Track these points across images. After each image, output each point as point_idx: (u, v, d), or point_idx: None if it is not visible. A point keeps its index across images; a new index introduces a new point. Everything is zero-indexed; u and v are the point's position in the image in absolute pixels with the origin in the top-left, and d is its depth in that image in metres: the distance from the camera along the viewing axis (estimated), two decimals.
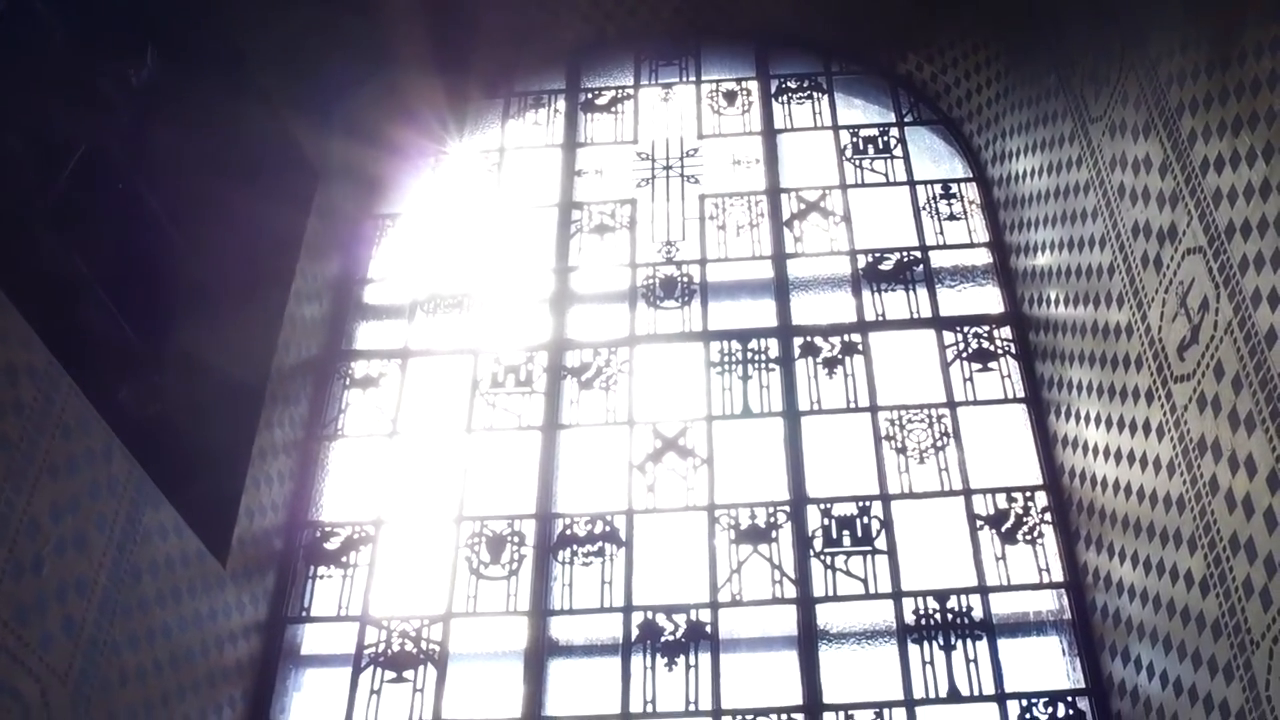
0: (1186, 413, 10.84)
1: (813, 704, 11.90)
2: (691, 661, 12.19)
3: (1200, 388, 10.67)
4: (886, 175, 15.34)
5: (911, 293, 14.35)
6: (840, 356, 13.89)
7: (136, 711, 10.63)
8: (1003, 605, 12.37)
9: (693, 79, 16.50)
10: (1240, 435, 10.11)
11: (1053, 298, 13.33)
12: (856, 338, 14.00)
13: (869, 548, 12.65)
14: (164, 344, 12.62)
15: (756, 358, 13.95)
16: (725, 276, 14.70)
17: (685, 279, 14.66)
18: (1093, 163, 12.71)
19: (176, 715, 11.10)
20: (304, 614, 12.80)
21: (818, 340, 14.01)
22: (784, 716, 11.87)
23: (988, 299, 14.30)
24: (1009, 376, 13.67)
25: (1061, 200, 13.29)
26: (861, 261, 14.58)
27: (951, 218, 14.91)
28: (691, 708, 11.97)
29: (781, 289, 14.43)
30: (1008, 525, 12.71)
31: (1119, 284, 12.02)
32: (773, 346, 14.01)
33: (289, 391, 13.51)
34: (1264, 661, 9.68)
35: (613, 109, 16.29)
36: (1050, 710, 11.80)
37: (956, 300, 14.32)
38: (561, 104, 16.40)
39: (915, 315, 14.16)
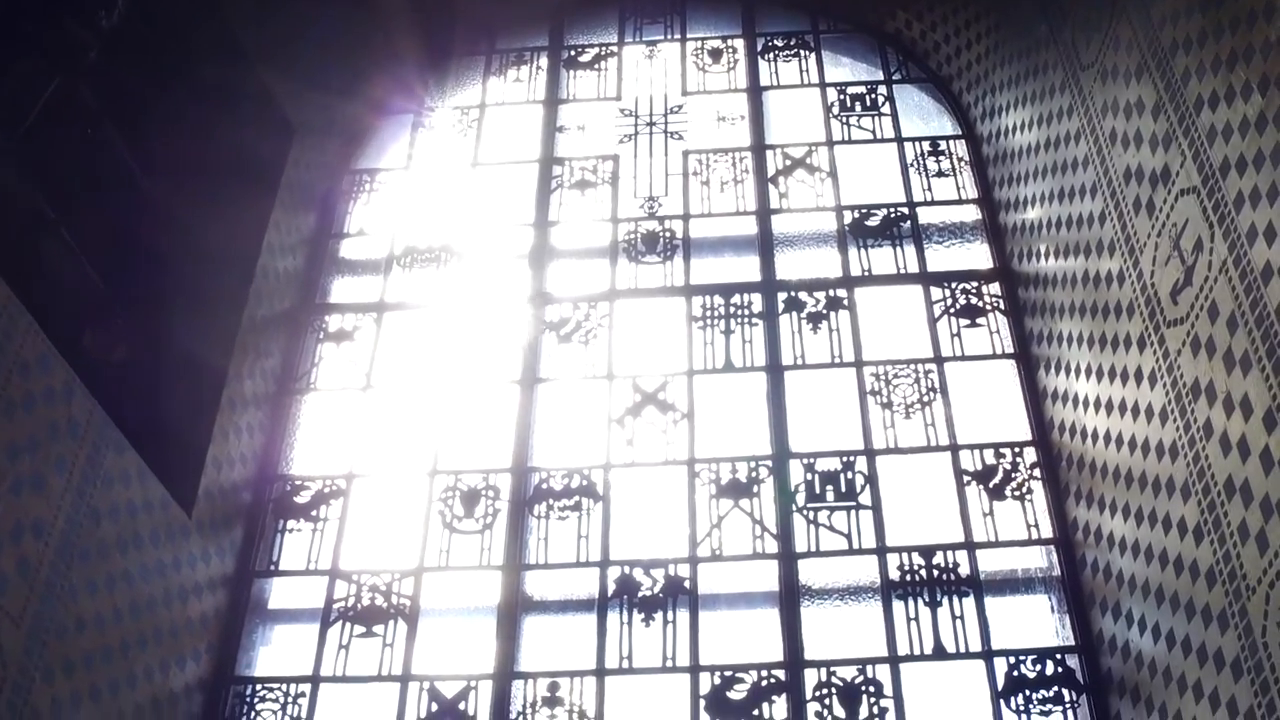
0: (1180, 357, 10.53)
1: (794, 661, 11.58)
2: (669, 617, 11.87)
3: (1194, 330, 10.36)
4: (874, 132, 15.02)
5: (899, 249, 14.03)
6: (825, 312, 13.57)
7: (94, 658, 10.29)
8: (990, 562, 12.05)
9: (678, 37, 16.18)
10: (1235, 376, 9.80)
11: (1042, 250, 13.01)
12: (842, 293, 13.68)
13: (853, 503, 12.33)
14: (131, 290, 12.30)
15: (739, 312, 13.63)
16: (709, 232, 14.38)
17: (668, 234, 14.34)
18: (1084, 111, 12.41)
19: (137, 665, 10.76)
20: (272, 568, 12.46)
21: (802, 295, 13.68)
22: (764, 673, 11.55)
23: (976, 255, 13.99)
24: (997, 333, 13.35)
25: (1051, 151, 12.99)
26: (848, 218, 14.26)
27: (940, 174, 14.60)
28: (669, 664, 11.64)
29: (766, 244, 14.11)
30: (996, 481, 12.39)
31: (1110, 231, 11.71)
32: (756, 301, 13.69)
33: (260, 344, 13.19)
34: (1260, 607, 9.36)
35: (596, 66, 15.98)
36: (1039, 668, 11.48)
37: (944, 257, 14.00)
38: (544, 61, 16.08)
39: (902, 271, 13.85)
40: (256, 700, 11.79)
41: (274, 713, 11.71)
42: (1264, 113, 9.79)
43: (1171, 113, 10.96)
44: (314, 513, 12.70)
